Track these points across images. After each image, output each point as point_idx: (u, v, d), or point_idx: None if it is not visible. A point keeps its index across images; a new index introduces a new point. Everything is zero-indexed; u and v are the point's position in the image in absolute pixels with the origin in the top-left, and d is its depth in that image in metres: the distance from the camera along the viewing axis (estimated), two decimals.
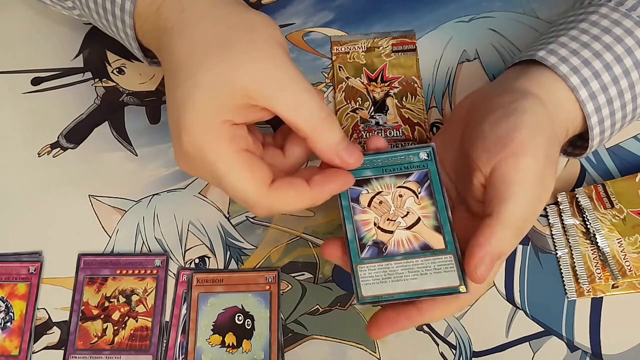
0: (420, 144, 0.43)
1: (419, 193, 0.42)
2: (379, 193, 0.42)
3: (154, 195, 0.52)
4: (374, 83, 0.54)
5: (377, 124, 0.53)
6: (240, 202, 0.39)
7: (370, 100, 0.53)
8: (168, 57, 0.40)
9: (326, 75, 0.55)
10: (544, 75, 0.43)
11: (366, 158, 0.42)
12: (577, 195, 0.48)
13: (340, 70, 0.55)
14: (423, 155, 0.43)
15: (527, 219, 0.39)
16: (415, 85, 0.54)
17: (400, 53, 0.55)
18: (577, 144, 0.48)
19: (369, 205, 0.42)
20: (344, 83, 0.54)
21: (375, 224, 0.42)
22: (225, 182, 0.38)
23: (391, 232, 0.41)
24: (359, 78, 0.54)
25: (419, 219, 0.41)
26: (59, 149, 0.54)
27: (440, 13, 0.57)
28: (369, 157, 0.43)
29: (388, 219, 0.42)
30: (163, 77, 0.56)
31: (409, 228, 0.41)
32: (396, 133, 0.52)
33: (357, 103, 0.53)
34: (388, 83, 0.54)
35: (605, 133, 0.44)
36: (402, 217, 0.42)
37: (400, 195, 0.42)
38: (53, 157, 0.54)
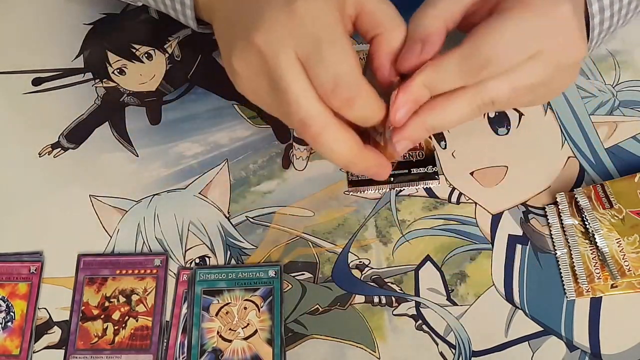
0: (271, 262, 0.49)
1: (261, 307, 0.47)
2: (227, 304, 0.47)
3: (154, 195, 0.52)
4: None
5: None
6: (328, 83, 0.38)
7: None
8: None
9: None
10: None
11: (222, 271, 0.48)
12: (576, 196, 0.49)
13: None
14: (271, 273, 0.48)
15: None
16: None
17: None
18: None
19: (216, 314, 0.47)
20: None
21: (218, 332, 0.46)
22: (325, 51, 0.37)
23: (230, 341, 0.46)
24: None
25: (256, 331, 0.46)
26: (59, 149, 0.54)
27: None
28: (224, 271, 0.48)
29: (230, 329, 0.47)
30: (163, 77, 0.56)
31: (246, 339, 0.46)
32: None
33: None
34: None
35: (604, 24, 0.44)
36: (242, 328, 0.47)
37: (245, 308, 0.47)
38: (54, 157, 0.54)
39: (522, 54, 0.38)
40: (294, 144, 0.53)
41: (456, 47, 0.38)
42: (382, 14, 0.40)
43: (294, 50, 0.38)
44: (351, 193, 0.51)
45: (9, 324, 0.48)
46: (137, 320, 0.48)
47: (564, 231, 0.49)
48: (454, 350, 0.46)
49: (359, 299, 0.48)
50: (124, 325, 0.48)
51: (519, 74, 0.38)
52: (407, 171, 0.51)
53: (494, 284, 0.48)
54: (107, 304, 0.49)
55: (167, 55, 0.57)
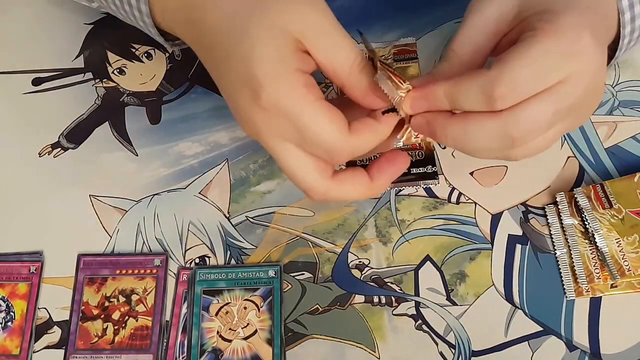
0: (271, 262, 0.49)
1: (261, 307, 0.47)
2: (227, 304, 0.47)
3: (154, 195, 0.52)
4: None
5: None
6: (322, 153, 0.39)
7: None
8: (203, 28, 0.40)
9: None
10: None
11: (222, 271, 0.48)
12: (575, 195, 0.49)
13: None
14: (271, 273, 0.48)
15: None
16: None
17: (402, 62, 0.55)
18: None
19: (216, 314, 0.47)
20: None
21: (218, 332, 0.47)
22: (308, 131, 0.37)
23: (230, 340, 0.46)
24: None
25: (255, 331, 0.46)
26: (59, 149, 0.54)
27: (440, 13, 0.57)
28: (224, 270, 0.48)
29: (230, 329, 0.47)
30: (163, 76, 0.56)
31: (245, 338, 0.46)
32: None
33: None
34: None
35: (634, 33, 0.44)
36: (242, 328, 0.47)
37: (245, 308, 0.47)
38: (54, 157, 0.54)
39: (547, 79, 0.37)
40: None
41: (482, 69, 0.38)
42: (337, 58, 0.38)
43: (280, 137, 0.39)
44: None
45: (9, 323, 0.48)
46: (137, 320, 0.48)
47: (563, 231, 0.49)
48: (453, 350, 0.46)
49: (359, 298, 0.48)
50: (124, 325, 0.48)
51: (553, 104, 0.37)
52: (406, 171, 0.51)
53: (493, 284, 0.48)
54: (107, 303, 0.49)
55: (167, 55, 0.57)
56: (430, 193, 0.51)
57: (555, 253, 0.49)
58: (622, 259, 0.46)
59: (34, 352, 0.48)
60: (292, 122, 0.37)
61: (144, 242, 0.51)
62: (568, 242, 0.48)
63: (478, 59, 0.42)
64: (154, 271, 0.49)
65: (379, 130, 0.40)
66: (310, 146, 0.38)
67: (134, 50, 0.57)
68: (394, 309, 0.48)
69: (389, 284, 0.49)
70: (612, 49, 0.45)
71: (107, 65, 0.57)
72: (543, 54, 0.36)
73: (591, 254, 0.48)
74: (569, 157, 0.52)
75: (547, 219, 0.50)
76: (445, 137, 0.40)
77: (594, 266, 0.47)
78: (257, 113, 0.38)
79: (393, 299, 0.48)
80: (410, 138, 0.42)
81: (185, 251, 0.50)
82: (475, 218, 0.50)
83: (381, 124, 0.40)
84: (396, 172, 0.42)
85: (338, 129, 0.38)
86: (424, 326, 0.47)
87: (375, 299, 0.48)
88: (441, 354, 0.46)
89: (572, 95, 0.37)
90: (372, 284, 0.49)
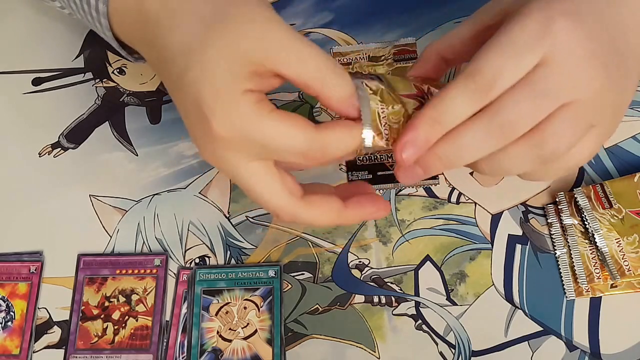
0: (271, 262, 0.49)
1: (261, 307, 0.47)
2: (227, 304, 0.47)
3: (154, 195, 0.52)
4: None
5: None
6: (295, 157, 0.37)
7: None
8: (156, 49, 0.39)
9: None
10: None
11: (222, 271, 0.48)
12: (575, 195, 0.49)
13: None
14: (271, 273, 0.48)
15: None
16: None
17: (402, 62, 0.55)
18: None
19: (216, 314, 0.47)
20: None
21: (218, 332, 0.47)
22: (273, 141, 0.36)
23: (230, 340, 0.46)
24: None
25: (255, 331, 0.46)
26: (59, 149, 0.54)
27: (440, 13, 0.57)
28: (224, 270, 0.48)
29: (230, 329, 0.47)
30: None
31: (245, 338, 0.46)
32: None
33: None
34: None
35: None
36: (242, 328, 0.47)
37: (245, 307, 0.47)
38: (54, 157, 0.54)
39: (525, 59, 0.36)
40: None
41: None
42: (304, 70, 0.36)
43: (243, 159, 0.37)
44: None
45: (9, 323, 0.48)
46: (137, 320, 0.48)
47: (563, 231, 0.49)
48: (453, 350, 0.46)
49: (359, 298, 0.48)
50: (124, 325, 0.48)
51: (531, 86, 0.36)
52: None
53: (493, 284, 0.48)
54: (107, 303, 0.49)
55: None
56: (430, 193, 0.51)
57: (555, 253, 0.49)
58: (622, 259, 0.46)
59: (34, 352, 0.48)
60: (253, 140, 0.36)
61: (144, 242, 0.51)
62: (568, 242, 0.48)
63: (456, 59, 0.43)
64: (154, 271, 0.49)
65: (345, 135, 0.37)
66: (280, 156, 0.37)
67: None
68: (394, 309, 0.48)
69: (389, 284, 0.49)
70: None
71: (107, 65, 0.57)
72: (516, 33, 0.36)
73: (591, 254, 0.48)
74: None
75: (547, 219, 0.50)
76: (441, 162, 0.38)
77: (593, 266, 0.47)
78: (212, 142, 0.36)
79: (393, 299, 0.48)
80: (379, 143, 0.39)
81: (185, 251, 0.50)
82: (475, 218, 0.50)
83: (346, 209, 0.39)
84: (372, 214, 0.41)
85: (303, 129, 0.36)
86: (424, 326, 0.47)
87: (375, 299, 0.48)
88: (441, 354, 0.46)
89: (553, 79, 0.36)
90: (372, 284, 0.49)
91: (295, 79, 0.36)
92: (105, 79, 0.56)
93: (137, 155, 0.54)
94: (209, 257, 0.50)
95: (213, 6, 0.37)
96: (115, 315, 0.48)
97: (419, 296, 0.48)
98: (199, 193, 0.52)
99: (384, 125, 0.38)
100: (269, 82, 0.37)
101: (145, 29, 0.40)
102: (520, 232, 0.50)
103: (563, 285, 0.48)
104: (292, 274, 0.49)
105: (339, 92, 0.37)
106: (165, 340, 0.48)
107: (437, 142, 0.37)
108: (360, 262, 0.49)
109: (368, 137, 0.37)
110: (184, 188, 0.52)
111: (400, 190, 0.51)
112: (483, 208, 0.51)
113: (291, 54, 0.36)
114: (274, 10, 0.38)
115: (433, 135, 0.37)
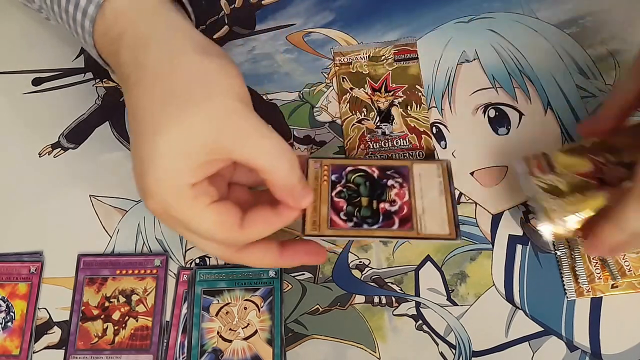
0: None
1: (261, 307, 0.47)
2: (227, 304, 0.47)
3: None
4: (378, 93, 0.54)
5: (384, 133, 0.53)
6: (216, 244, 0.41)
7: (375, 111, 0.54)
8: (128, 98, 0.41)
9: (326, 76, 0.55)
10: None
11: (222, 271, 0.48)
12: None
13: (343, 81, 0.55)
14: (271, 273, 0.48)
15: None
16: (419, 94, 0.54)
17: (402, 62, 0.55)
18: None
19: (216, 314, 0.47)
20: (348, 94, 0.54)
21: (218, 333, 0.47)
22: (197, 231, 0.40)
23: (230, 341, 0.46)
24: (362, 88, 0.54)
25: (256, 331, 0.47)
26: (59, 149, 0.54)
27: (440, 13, 0.57)
28: (224, 271, 0.48)
29: (230, 329, 0.47)
30: None
31: (246, 339, 0.46)
32: (403, 142, 0.52)
33: (363, 114, 0.53)
34: (392, 92, 0.54)
35: None
36: (242, 328, 0.47)
37: (245, 308, 0.47)
38: (54, 157, 0.54)
39: None
40: (294, 143, 0.53)
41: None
42: (257, 161, 0.39)
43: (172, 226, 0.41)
44: None
45: (9, 324, 0.48)
46: (137, 321, 0.48)
47: None
48: (454, 351, 0.46)
49: (359, 299, 0.48)
50: (124, 325, 0.48)
51: None
52: None
53: (494, 284, 0.48)
54: (107, 304, 0.49)
55: None
56: None
57: (556, 253, 0.49)
58: (623, 259, 0.46)
59: (34, 353, 0.48)
60: (182, 223, 0.39)
61: (144, 242, 0.51)
62: (569, 242, 0.48)
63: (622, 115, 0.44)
64: (154, 271, 0.49)
65: (273, 222, 0.41)
66: (203, 238, 0.41)
67: None
68: (395, 309, 0.48)
69: (389, 284, 0.49)
70: None
71: None
72: None
73: None
74: None
75: None
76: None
77: (594, 266, 0.47)
78: (149, 206, 0.40)
79: (393, 299, 0.48)
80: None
81: (186, 251, 0.50)
82: (475, 218, 0.50)
83: (279, 216, 0.41)
84: (308, 262, 0.45)
85: (228, 229, 0.39)
86: (424, 326, 0.47)
87: (376, 299, 0.48)
88: (442, 354, 0.46)
89: None
90: (372, 284, 0.49)
91: (249, 166, 0.39)
92: (105, 79, 0.56)
93: None
94: (209, 258, 0.50)
95: (183, 83, 0.38)
96: (116, 316, 0.48)
97: (419, 296, 0.48)
98: None
99: (559, 218, 0.42)
100: (221, 165, 0.40)
101: (121, 79, 0.42)
102: (520, 233, 0.50)
103: (564, 285, 0.48)
104: (293, 274, 0.49)
105: (284, 182, 0.40)
106: (165, 341, 0.48)
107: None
108: (360, 262, 0.49)
109: (546, 231, 0.43)
110: None
111: None
112: (483, 208, 0.51)
113: (247, 147, 0.38)
114: (244, 93, 0.40)
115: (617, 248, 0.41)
